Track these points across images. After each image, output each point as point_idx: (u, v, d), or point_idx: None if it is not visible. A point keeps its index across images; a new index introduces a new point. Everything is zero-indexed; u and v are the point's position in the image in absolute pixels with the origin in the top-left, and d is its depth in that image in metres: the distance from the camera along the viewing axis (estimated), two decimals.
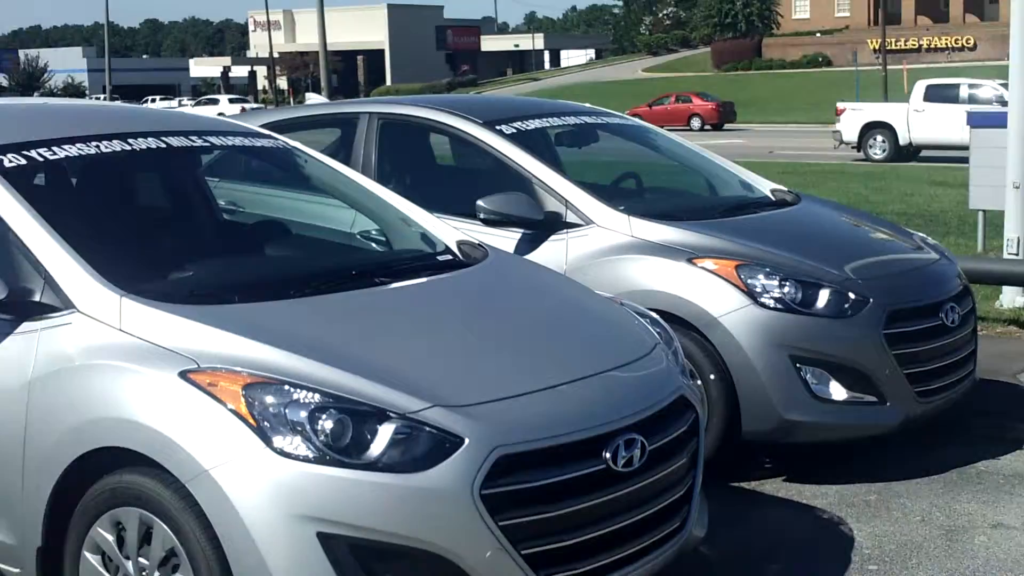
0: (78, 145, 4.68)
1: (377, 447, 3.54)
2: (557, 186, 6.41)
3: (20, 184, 4.33)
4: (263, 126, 6.53)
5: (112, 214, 4.80)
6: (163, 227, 5.03)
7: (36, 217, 4.14)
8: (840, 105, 30.10)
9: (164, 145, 4.94)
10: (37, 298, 4.00)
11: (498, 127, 6.79)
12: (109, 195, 4.93)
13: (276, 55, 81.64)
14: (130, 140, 4.84)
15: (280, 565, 3.46)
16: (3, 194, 4.22)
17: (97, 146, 4.72)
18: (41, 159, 4.54)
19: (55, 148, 4.61)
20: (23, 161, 4.46)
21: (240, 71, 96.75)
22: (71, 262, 4.00)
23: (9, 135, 4.63)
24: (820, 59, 75.50)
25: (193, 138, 5.13)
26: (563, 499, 3.69)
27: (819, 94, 57.88)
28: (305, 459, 3.50)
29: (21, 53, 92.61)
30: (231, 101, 66.63)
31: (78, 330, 3.89)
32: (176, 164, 5.31)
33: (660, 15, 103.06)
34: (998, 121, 10.17)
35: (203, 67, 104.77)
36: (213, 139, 5.26)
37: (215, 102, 67.01)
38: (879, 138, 28.73)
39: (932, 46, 72.76)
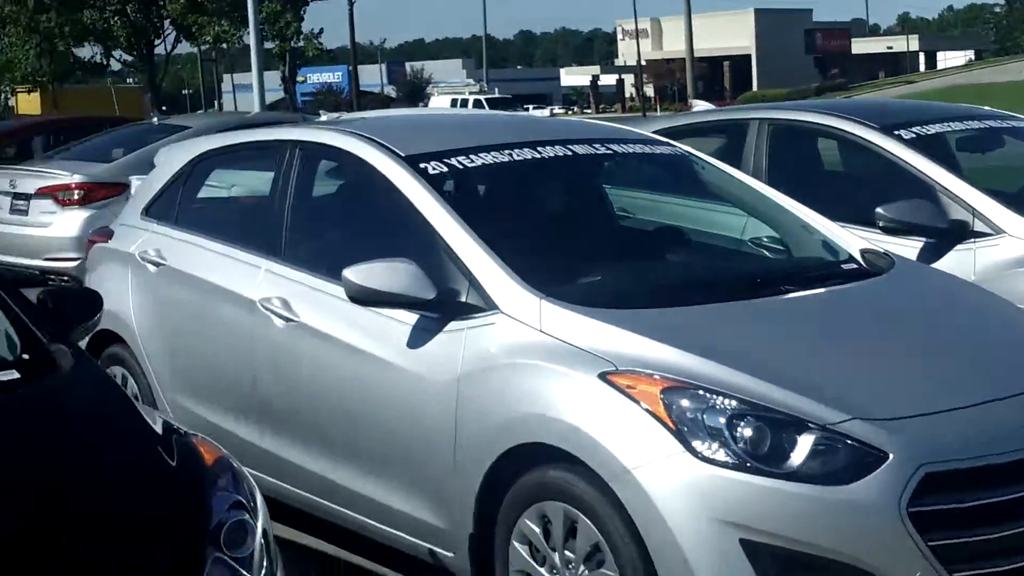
0: (492, 153, 4.88)
1: (797, 457, 3.49)
2: (963, 193, 6.12)
3: (443, 191, 4.57)
4: (653, 132, 6.57)
5: (525, 219, 4.97)
6: (571, 232, 5.15)
7: (460, 223, 4.35)
8: None
9: (570, 153, 5.07)
10: (463, 299, 4.19)
11: (896, 132, 6.55)
12: (520, 201, 5.10)
13: (643, 63, 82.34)
14: (539, 148, 4.99)
15: (704, 569, 3.47)
16: (431, 201, 4.47)
17: (510, 154, 4.90)
18: (460, 167, 4.76)
19: (472, 156, 4.82)
20: (444, 168, 4.69)
21: (608, 79, 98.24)
22: (494, 266, 4.18)
23: (431, 144, 4.88)
24: None
25: (597, 146, 5.24)
26: (996, 523, 3.52)
27: None
28: (724, 465, 3.50)
29: (407, 66, 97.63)
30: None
31: (501, 330, 4.05)
32: (581, 171, 5.43)
33: None
34: None
35: (573, 76, 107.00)
36: (615, 147, 5.34)
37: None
38: None
39: None
